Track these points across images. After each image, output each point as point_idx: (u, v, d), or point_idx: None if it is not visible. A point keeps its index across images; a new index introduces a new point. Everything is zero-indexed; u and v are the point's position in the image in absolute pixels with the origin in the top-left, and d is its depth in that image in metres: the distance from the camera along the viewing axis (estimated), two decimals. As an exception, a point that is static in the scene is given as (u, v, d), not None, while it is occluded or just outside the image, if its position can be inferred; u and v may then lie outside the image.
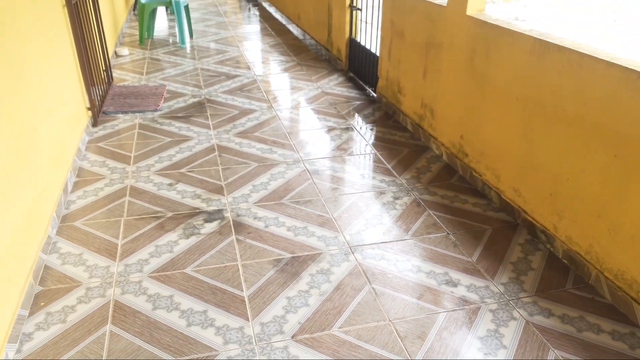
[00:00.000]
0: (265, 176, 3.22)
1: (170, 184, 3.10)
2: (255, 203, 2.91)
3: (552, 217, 2.50)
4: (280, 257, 2.46)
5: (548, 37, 2.40)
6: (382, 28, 4.18)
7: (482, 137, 3.01)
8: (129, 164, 3.35)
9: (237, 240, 2.58)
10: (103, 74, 4.49)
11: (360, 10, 4.90)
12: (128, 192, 3.01)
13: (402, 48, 3.89)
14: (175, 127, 3.94)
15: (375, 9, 4.43)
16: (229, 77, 5.15)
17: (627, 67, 1.97)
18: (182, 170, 3.27)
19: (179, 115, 4.17)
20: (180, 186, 3.08)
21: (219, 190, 3.04)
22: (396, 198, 2.99)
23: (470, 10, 2.96)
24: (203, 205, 2.88)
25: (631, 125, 2.00)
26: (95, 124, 3.91)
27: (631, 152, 2.02)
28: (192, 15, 7.94)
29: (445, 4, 3.22)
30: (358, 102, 4.53)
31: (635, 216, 2.04)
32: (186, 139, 3.73)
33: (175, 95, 4.62)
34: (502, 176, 2.86)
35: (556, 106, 2.37)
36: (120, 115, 4.13)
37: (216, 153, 3.52)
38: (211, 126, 3.95)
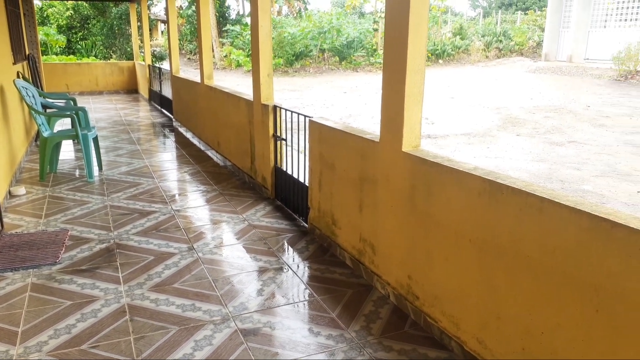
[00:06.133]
0: (188, 345, 2.68)
1: (67, 370, 2.47)
2: (178, 388, 2.35)
3: (530, 377, 2.18)
4: None
5: (497, 178, 2.25)
6: (310, 159, 3.99)
7: (433, 279, 2.73)
8: (15, 344, 2.67)
9: None
10: (-10, 223, 3.85)
11: (285, 140, 4.74)
12: (8, 389, 2.33)
13: (334, 180, 3.68)
14: (78, 284, 3.32)
15: (302, 135, 4.28)
16: (143, 214, 4.65)
17: (595, 215, 1.80)
18: (84, 347, 2.65)
19: (83, 268, 3.56)
20: (81, 372, 2.46)
21: (131, 373, 2.45)
22: (348, 361, 2.56)
23: (406, 147, 2.81)
24: (110, 400, 2.27)
25: (609, 279, 1.79)
26: (-27, 289, 3.21)
27: (615, 309, 1.79)
28: (102, 144, 7.49)
29: (377, 139, 3.08)
30: (289, 235, 4.19)
31: (633, 381, 1.77)
32: (90, 299, 3.13)
33: (79, 241, 4.02)
34: (462, 324, 2.55)
35: (517, 252, 2.15)
36: (9, 274, 3.46)
37: (127, 317, 2.93)
38: (121, 280, 3.38)
